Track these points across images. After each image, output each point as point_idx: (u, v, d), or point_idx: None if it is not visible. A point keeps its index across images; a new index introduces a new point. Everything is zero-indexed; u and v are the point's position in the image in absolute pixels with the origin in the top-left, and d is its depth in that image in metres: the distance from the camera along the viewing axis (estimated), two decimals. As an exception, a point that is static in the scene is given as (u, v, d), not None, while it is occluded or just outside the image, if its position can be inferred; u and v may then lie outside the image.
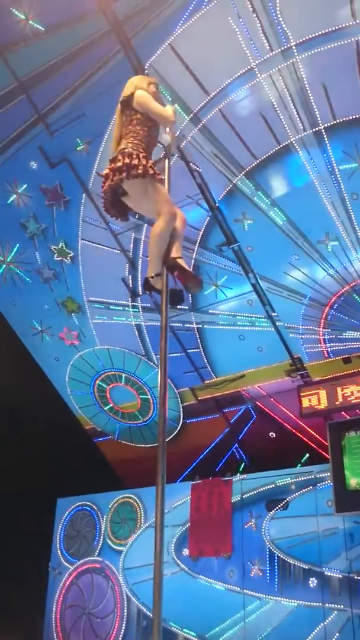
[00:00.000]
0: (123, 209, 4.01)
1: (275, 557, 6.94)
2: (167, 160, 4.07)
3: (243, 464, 8.88)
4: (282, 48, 5.90)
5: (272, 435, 8.69)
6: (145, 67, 6.44)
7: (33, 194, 7.77)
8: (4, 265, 8.56)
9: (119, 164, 3.72)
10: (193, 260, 7.62)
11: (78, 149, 7.21)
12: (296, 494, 7.13)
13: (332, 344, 7.69)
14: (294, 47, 5.87)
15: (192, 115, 6.53)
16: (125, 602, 8.04)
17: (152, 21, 6.17)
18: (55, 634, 8.52)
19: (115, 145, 3.96)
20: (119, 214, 4.04)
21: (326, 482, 6.91)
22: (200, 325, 8.24)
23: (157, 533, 2.73)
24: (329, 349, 7.74)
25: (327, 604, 6.38)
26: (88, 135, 7.08)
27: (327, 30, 5.68)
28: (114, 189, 3.81)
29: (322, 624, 6.31)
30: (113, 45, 6.39)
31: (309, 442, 8.41)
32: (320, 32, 5.71)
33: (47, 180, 7.59)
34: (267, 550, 7.05)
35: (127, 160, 3.70)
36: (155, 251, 3.75)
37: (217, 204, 7.11)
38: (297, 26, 5.77)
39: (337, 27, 5.66)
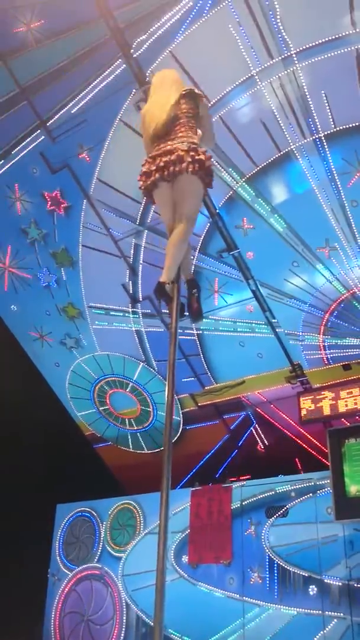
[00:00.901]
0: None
1: (275, 565, 6.92)
2: None
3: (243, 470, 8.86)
4: (283, 56, 5.93)
5: (270, 442, 8.69)
6: (147, 74, 6.47)
7: (34, 199, 7.79)
8: (5, 271, 8.57)
9: (195, 154, 3.59)
10: (193, 267, 7.63)
11: (79, 155, 7.23)
12: (296, 501, 7.11)
13: (332, 351, 7.69)
14: (294, 55, 5.90)
15: (192, 122, 6.55)
16: (125, 609, 8.01)
17: (153, 28, 6.21)
18: (54, 641, 8.49)
19: (162, 127, 3.81)
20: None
21: (326, 489, 6.89)
22: (200, 332, 8.25)
23: (160, 538, 2.72)
24: (328, 356, 7.74)
25: (326, 612, 6.35)
26: (89, 141, 7.12)
27: (327, 39, 5.71)
28: (167, 178, 3.67)
29: (321, 632, 6.28)
30: (114, 52, 6.43)
31: (309, 449, 8.40)
32: (320, 41, 5.74)
33: (48, 186, 7.62)
34: (267, 557, 7.03)
35: (201, 156, 3.61)
36: (178, 256, 3.66)
37: (217, 210, 7.13)
38: (297, 34, 5.81)
39: (337, 36, 5.69)
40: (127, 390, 9.20)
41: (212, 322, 8.10)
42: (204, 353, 8.42)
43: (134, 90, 6.63)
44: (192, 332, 8.21)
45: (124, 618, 7.96)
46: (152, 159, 3.76)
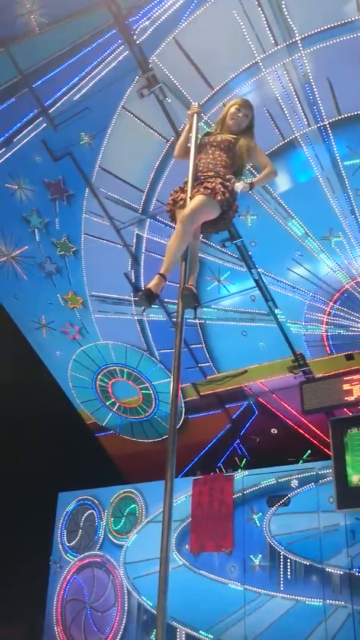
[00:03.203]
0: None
1: (277, 553, 6.95)
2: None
3: (245, 459, 8.88)
4: (287, 42, 5.86)
5: (273, 431, 8.69)
6: (149, 61, 6.41)
7: (36, 187, 7.75)
8: (7, 259, 8.55)
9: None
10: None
11: (81, 143, 7.18)
12: (298, 490, 7.12)
13: (334, 341, 7.67)
14: (299, 42, 5.83)
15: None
16: (126, 597, 8.05)
17: (157, 14, 6.14)
18: (55, 628, 8.55)
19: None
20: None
21: (328, 478, 6.90)
22: (203, 321, 8.23)
23: (164, 524, 2.72)
24: (331, 346, 7.73)
25: (327, 600, 6.38)
26: (91, 129, 7.06)
27: (332, 25, 5.65)
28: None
29: (322, 620, 6.31)
30: (117, 39, 6.36)
31: (311, 439, 8.41)
32: (325, 27, 5.68)
33: (50, 174, 7.57)
34: (268, 546, 7.05)
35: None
36: (171, 252, 3.70)
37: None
38: (302, 20, 5.74)
39: (342, 22, 5.62)
40: (129, 379, 9.20)
41: (214, 312, 8.08)
42: (206, 342, 8.40)
43: (136, 77, 6.56)
44: (194, 321, 8.19)
45: (126, 605, 8.01)
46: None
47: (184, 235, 3.64)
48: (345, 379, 7.51)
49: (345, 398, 7.39)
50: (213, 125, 4.18)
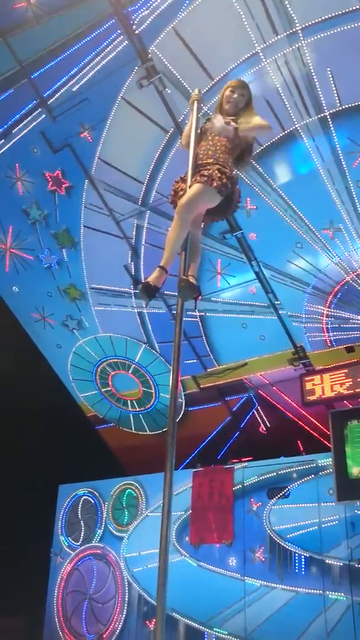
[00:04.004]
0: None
1: (276, 545, 6.96)
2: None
3: (245, 452, 8.89)
4: (288, 32, 5.81)
5: (274, 424, 8.70)
6: (149, 51, 6.36)
7: (35, 179, 7.71)
8: (6, 252, 8.52)
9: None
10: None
11: (81, 134, 7.13)
12: (298, 482, 7.13)
13: (335, 333, 7.66)
14: (299, 31, 5.78)
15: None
16: (127, 588, 8.08)
17: (156, 4, 6.09)
18: (56, 619, 8.58)
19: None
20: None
21: (328, 470, 6.91)
22: (203, 313, 8.21)
23: (164, 516, 2.71)
24: (331, 338, 7.71)
25: (327, 592, 6.40)
26: (91, 120, 7.02)
27: (333, 14, 5.59)
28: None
29: (322, 612, 6.33)
30: (116, 28, 6.31)
31: (311, 431, 8.41)
32: (326, 16, 5.63)
33: (49, 166, 7.53)
34: (268, 538, 7.07)
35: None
36: (170, 244, 3.63)
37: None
38: (303, 10, 5.68)
39: (343, 11, 5.57)
40: (129, 371, 9.19)
41: (214, 304, 8.06)
42: (206, 335, 8.39)
43: (135, 68, 6.51)
44: (194, 313, 8.17)
45: (126, 597, 8.04)
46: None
47: (182, 226, 3.59)
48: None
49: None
50: (211, 113, 4.09)
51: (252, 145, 4.11)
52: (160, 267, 3.62)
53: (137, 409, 9.47)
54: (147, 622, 7.71)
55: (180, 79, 6.42)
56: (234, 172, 3.83)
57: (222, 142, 3.82)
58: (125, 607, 8.00)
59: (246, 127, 3.86)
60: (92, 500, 9.05)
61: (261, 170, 6.71)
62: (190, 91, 6.09)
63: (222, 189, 3.62)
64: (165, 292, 8.06)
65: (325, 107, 6.12)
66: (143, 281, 3.69)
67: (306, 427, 8.46)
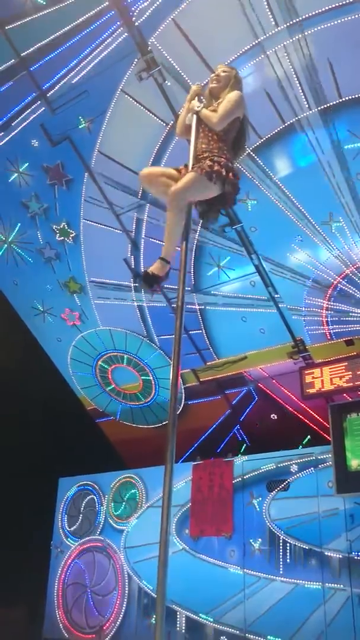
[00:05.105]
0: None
1: (276, 538, 6.98)
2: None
3: (245, 445, 8.91)
4: (289, 24, 5.78)
5: (273, 417, 8.71)
6: (149, 43, 6.33)
7: (34, 172, 7.69)
8: (6, 245, 8.51)
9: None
10: (196, 241, 7.57)
11: (80, 127, 7.11)
12: (297, 475, 7.14)
13: (334, 326, 7.66)
14: (300, 23, 5.74)
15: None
16: (127, 581, 8.12)
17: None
18: (57, 611, 8.63)
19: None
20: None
21: (327, 463, 6.92)
22: (203, 307, 8.21)
23: (164, 509, 2.72)
24: (331, 331, 7.71)
25: (326, 584, 6.43)
26: (90, 113, 7.00)
27: (334, 5, 5.56)
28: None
29: (321, 604, 6.36)
30: (115, 20, 6.28)
31: (311, 424, 8.43)
32: (327, 7, 5.59)
33: (48, 159, 7.51)
34: (268, 530, 7.09)
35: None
36: (168, 234, 3.65)
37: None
38: (303, 1, 5.64)
39: (345, 2, 5.53)
40: (129, 365, 9.20)
41: (214, 297, 8.06)
42: (206, 328, 8.39)
43: (135, 60, 6.49)
44: (194, 307, 8.17)
45: (126, 589, 8.07)
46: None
47: (177, 215, 3.57)
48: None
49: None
50: (204, 100, 4.00)
51: (243, 128, 3.95)
52: (161, 258, 3.62)
53: (137, 402, 9.48)
54: (147, 616, 7.74)
55: (180, 71, 6.39)
56: (230, 161, 3.77)
57: (213, 131, 3.79)
58: (126, 600, 8.03)
59: (203, 114, 3.77)
60: (92, 493, 9.08)
61: (261, 163, 6.69)
62: (190, 83, 6.11)
63: (213, 176, 3.57)
64: (165, 286, 8.08)
65: (325, 100, 6.09)
66: (143, 271, 3.69)
67: (306, 420, 8.47)
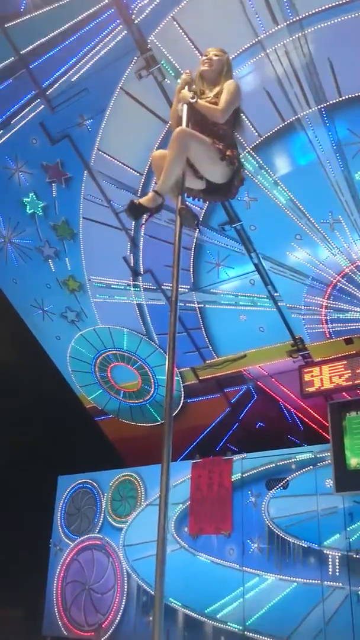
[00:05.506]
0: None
1: (275, 536, 7.00)
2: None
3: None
4: (288, 22, 5.77)
5: (272, 415, 8.72)
6: (148, 41, 6.32)
7: (34, 170, 7.68)
8: (5, 243, 8.50)
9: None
10: (195, 239, 7.57)
11: (79, 125, 7.10)
12: (296, 473, 7.15)
13: (334, 325, 7.66)
14: (300, 21, 5.73)
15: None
16: (126, 578, 8.13)
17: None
18: (56, 609, 8.64)
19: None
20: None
21: (326, 461, 6.93)
22: (202, 305, 8.21)
23: (161, 507, 2.72)
24: (330, 330, 7.72)
25: (325, 582, 6.44)
26: (90, 111, 6.98)
27: (335, 3, 5.54)
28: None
29: (320, 602, 6.37)
30: (115, 18, 6.26)
31: (310, 422, 8.43)
32: (327, 5, 5.58)
33: (47, 157, 7.50)
34: (267, 528, 7.10)
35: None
36: (168, 170, 3.53)
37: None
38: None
39: (344, 1, 5.51)
40: (128, 363, 9.20)
41: (213, 296, 8.05)
42: (205, 326, 8.39)
43: (135, 58, 6.47)
44: (193, 305, 8.17)
45: (125, 587, 8.08)
46: None
47: (177, 152, 3.48)
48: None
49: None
50: (195, 85, 3.86)
51: (239, 118, 3.92)
52: (154, 191, 3.57)
53: (136, 401, 9.48)
54: (146, 614, 7.75)
55: (180, 70, 6.37)
56: (239, 154, 3.78)
57: (213, 132, 3.75)
58: (125, 598, 8.05)
59: (201, 105, 3.69)
60: (91, 491, 9.09)
61: (261, 162, 6.69)
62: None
63: (226, 158, 3.58)
64: (164, 284, 8.10)
65: (325, 98, 6.08)
66: (131, 200, 3.62)
67: (305, 419, 8.48)
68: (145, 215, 3.66)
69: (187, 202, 3.56)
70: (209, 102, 3.72)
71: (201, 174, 3.75)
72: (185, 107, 3.69)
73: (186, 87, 3.77)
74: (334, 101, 6.07)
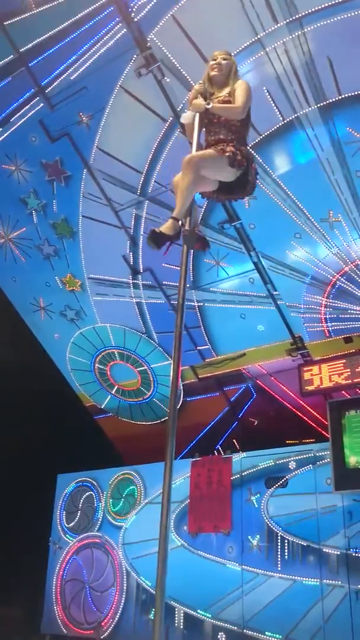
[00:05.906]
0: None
1: (274, 534, 7.00)
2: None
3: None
4: (288, 20, 5.76)
5: (271, 413, 8.72)
6: (148, 39, 6.31)
7: (33, 169, 7.68)
8: (4, 241, 8.50)
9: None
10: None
11: (79, 123, 7.09)
12: (296, 471, 7.15)
13: (333, 323, 7.66)
14: (300, 19, 5.72)
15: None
16: (125, 577, 8.13)
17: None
18: (55, 607, 8.65)
19: None
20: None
21: (325, 460, 6.93)
22: (202, 304, 8.21)
23: (163, 505, 2.72)
24: (330, 328, 7.72)
25: (324, 580, 6.44)
26: (89, 109, 6.98)
27: (334, 2, 5.54)
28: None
29: (319, 600, 6.38)
30: (114, 16, 6.26)
31: (309, 421, 8.43)
32: (327, 4, 5.58)
33: (47, 155, 7.50)
34: (266, 527, 7.10)
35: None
36: (181, 196, 3.64)
37: (219, 181, 7.01)
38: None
39: (344, -1, 5.52)
40: (128, 362, 9.20)
41: (213, 294, 8.05)
42: (204, 325, 8.39)
43: (134, 56, 6.47)
44: (192, 303, 8.17)
45: (124, 585, 8.09)
46: None
47: (190, 178, 3.59)
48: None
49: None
50: (201, 82, 3.96)
51: (249, 118, 4.02)
52: (172, 217, 3.65)
53: (136, 399, 9.48)
54: (145, 612, 7.76)
55: (179, 68, 6.38)
56: (248, 150, 3.85)
57: (226, 132, 3.82)
58: (124, 596, 8.05)
59: (218, 108, 3.77)
60: (90, 489, 9.09)
61: (260, 160, 6.68)
62: (190, 80, 6.12)
63: (235, 164, 3.65)
64: (164, 283, 8.09)
65: (325, 97, 6.08)
66: (151, 229, 3.69)
67: (304, 417, 8.48)
68: (167, 244, 3.69)
69: (200, 227, 3.64)
70: (222, 100, 3.83)
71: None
72: (196, 116, 3.77)
73: (199, 97, 3.85)
74: (334, 99, 6.07)
